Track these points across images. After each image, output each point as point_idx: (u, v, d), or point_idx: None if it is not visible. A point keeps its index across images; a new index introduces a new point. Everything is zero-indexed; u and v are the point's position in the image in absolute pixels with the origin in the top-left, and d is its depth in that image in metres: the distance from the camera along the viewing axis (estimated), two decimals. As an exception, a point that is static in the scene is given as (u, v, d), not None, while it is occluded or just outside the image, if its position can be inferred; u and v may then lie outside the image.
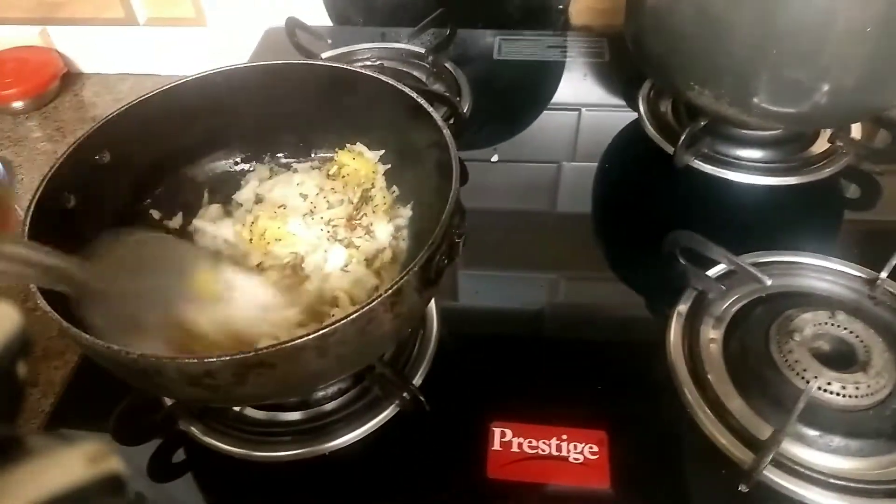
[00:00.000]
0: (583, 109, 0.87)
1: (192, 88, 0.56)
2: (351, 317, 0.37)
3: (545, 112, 0.87)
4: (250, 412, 0.54)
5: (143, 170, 0.56)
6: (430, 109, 0.50)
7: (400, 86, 0.53)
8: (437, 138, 0.51)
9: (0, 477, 0.19)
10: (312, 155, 0.63)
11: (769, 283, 0.55)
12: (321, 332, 0.36)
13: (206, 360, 0.34)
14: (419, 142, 0.54)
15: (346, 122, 0.60)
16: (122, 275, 0.44)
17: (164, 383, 0.37)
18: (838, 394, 0.49)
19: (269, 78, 0.57)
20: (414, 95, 0.52)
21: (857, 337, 0.52)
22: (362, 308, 0.37)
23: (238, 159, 0.62)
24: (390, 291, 0.38)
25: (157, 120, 0.54)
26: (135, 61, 1.04)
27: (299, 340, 0.36)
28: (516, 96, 0.90)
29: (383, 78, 0.54)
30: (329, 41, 0.92)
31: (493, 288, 0.66)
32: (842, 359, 0.51)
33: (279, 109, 0.59)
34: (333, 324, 0.36)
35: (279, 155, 0.63)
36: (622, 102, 0.85)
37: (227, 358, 0.34)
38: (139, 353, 0.35)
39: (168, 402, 0.52)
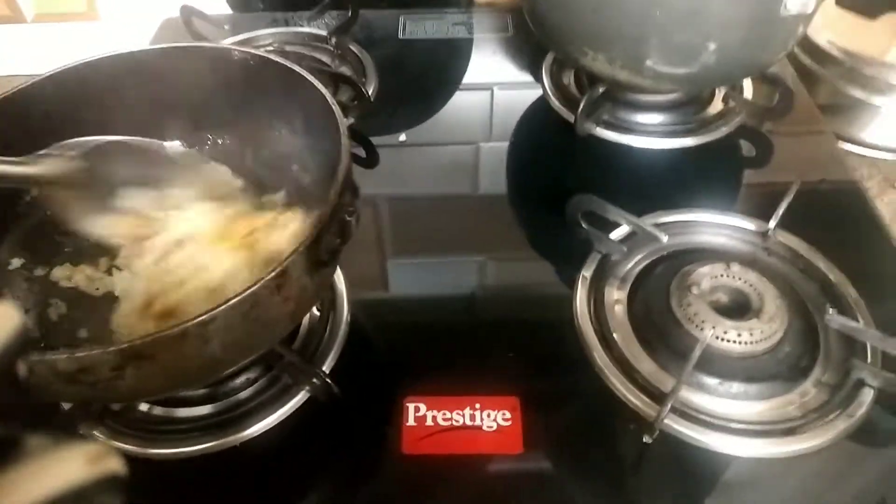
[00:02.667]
0: (495, 88, 0.87)
1: (70, 77, 0.53)
2: (231, 301, 0.36)
3: (458, 92, 0.87)
4: (157, 410, 0.52)
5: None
6: (315, 81, 0.49)
7: (283, 61, 0.51)
8: (327, 113, 0.49)
9: (0, 477, 0.18)
10: (209, 140, 0.61)
11: (665, 240, 0.56)
12: (199, 319, 0.35)
13: (76, 356, 0.33)
14: (312, 122, 0.53)
15: (240, 107, 0.58)
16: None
17: (41, 384, 0.35)
18: (734, 341, 0.50)
19: (152, 64, 0.55)
20: (297, 69, 0.50)
21: (751, 286, 0.54)
22: (243, 292, 0.36)
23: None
24: (273, 273, 0.37)
25: (33, 112, 0.52)
26: (25, 61, 0.99)
27: (177, 329, 0.34)
28: (426, 76, 0.90)
29: (268, 55, 0.52)
30: (227, 28, 0.89)
31: (407, 272, 0.66)
32: (738, 308, 0.53)
33: (167, 96, 0.57)
34: (212, 310, 0.35)
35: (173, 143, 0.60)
36: (531, 78, 0.86)
37: (99, 352, 0.33)
38: None
39: (65, 406, 0.50)
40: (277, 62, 0.52)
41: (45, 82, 0.53)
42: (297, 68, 0.50)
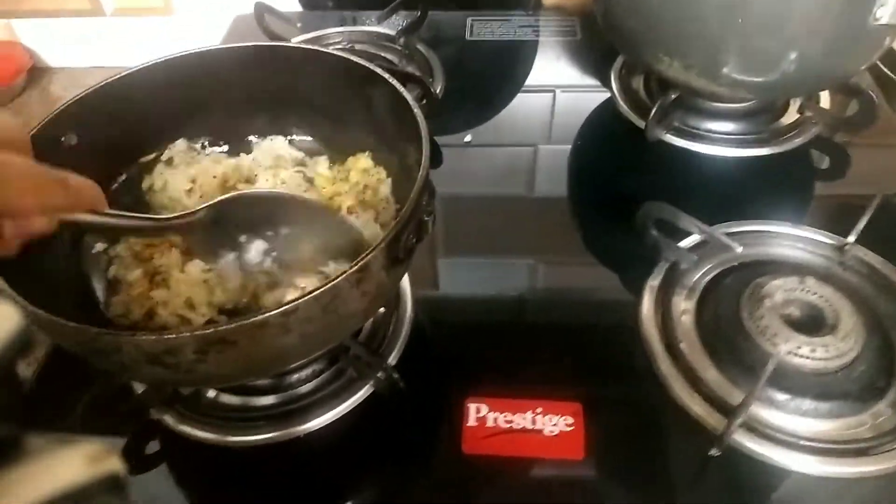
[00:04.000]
0: (557, 91, 0.86)
1: (158, 71, 0.55)
2: (314, 293, 0.37)
3: (520, 94, 0.87)
4: (224, 398, 0.53)
5: (111, 154, 0.55)
6: (397, 84, 0.50)
7: (364, 62, 0.52)
8: (408, 117, 0.50)
9: (0, 477, 0.19)
10: (286, 136, 0.62)
11: (740, 250, 0.55)
12: (283, 308, 0.36)
13: (165, 337, 0.34)
14: (393, 122, 0.53)
15: (318, 105, 0.59)
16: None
17: (125, 362, 0.36)
18: (808, 357, 0.49)
19: (236, 61, 0.56)
20: (378, 71, 0.51)
21: (826, 301, 0.52)
22: (326, 285, 0.37)
23: (206, 142, 0.61)
24: (355, 268, 0.38)
25: (124, 103, 0.53)
26: (103, 54, 1.03)
27: (260, 317, 0.35)
28: (490, 77, 0.90)
29: (347, 56, 0.53)
30: (299, 25, 0.91)
31: (468, 272, 0.66)
32: (811, 323, 0.52)
33: (248, 92, 0.58)
34: (296, 300, 0.36)
35: (250, 138, 0.62)
36: (596, 82, 0.85)
37: (187, 334, 0.34)
38: (96, 329, 0.34)
39: (139, 390, 0.52)
40: (362, 65, 0.53)
41: (131, 77, 0.54)
42: (382, 73, 0.51)
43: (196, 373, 0.38)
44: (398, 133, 0.52)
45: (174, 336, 0.34)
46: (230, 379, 0.46)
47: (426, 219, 0.43)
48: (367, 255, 0.39)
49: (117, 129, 0.54)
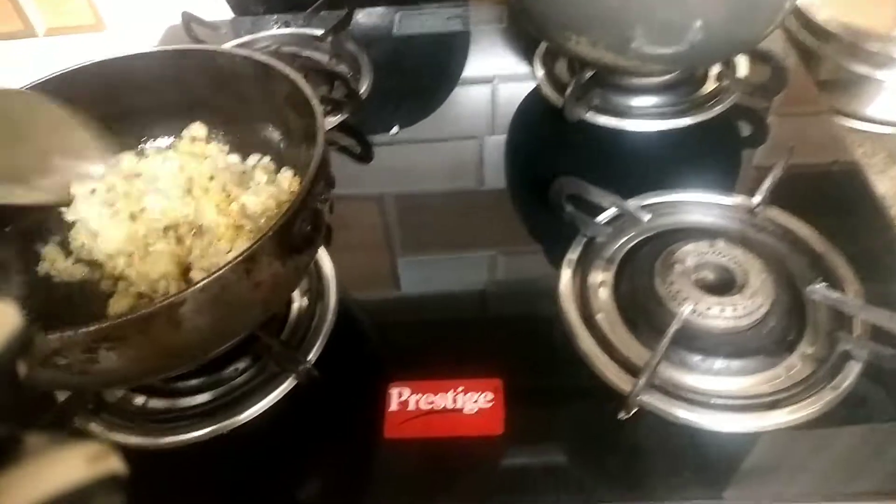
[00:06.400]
0: (496, 80, 0.87)
1: (70, 80, 0.56)
2: (200, 284, 0.37)
3: (457, 87, 0.87)
4: (153, 402, 0.54)
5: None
6: (287, 70, 0.50)
7: (261, 57, 0.52)
8: (307, 107, 0.50)
9: (0, 477, 0.19)
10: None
11: (647, 220, 0.56)
12: (169, 300, 0.36)
13: (49, 337, 0.34)
14: (296, 116, 0.54)
15: (229, 103, 0.59)
16: None
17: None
18: (717, 317, 0.50)
19: (137, 69, 0.57)
20: (274, 63, 0.51)
21: (735, 262, 0.53)
22: (211, 275, 0.37)
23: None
24: (241, 258, 0.38)
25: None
26: (38, 75, 1.02)
27: (146, 311, 0.35)
28: (424, 71, 0.90)
29: (244, 53, 0.54)
30: (224, 32, 0.91)
31: (402, 266, 0.66)
32: (722, 284, 0.53)
33: (156, 97, 0.59)
34: (180, 292, 0.36)
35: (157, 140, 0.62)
36: (529, 69, 0.86)
37: (70, 333, 0.34)
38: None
39: (60, 398, 0.52)
40: (255, 59, 0.53)
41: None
42: (273, 62, 0.52)
43: (93, 374, 0.38)
44: (303, 125, 0.53)
45: (57, 335, 0.34)
46: (134, 377, 0.46)
47: (320, 207, 0.43)
48: (253, 244, 0.39)
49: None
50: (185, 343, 0.40)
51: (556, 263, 0.59)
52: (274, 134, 0.58)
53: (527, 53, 0.87)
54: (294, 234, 0.42)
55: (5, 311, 0.21)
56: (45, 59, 1.02)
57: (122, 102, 0.59)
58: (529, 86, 0.83)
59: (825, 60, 0.81)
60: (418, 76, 0.90)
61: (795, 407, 0.47)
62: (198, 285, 0.37)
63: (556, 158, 0.74)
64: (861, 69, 0.79)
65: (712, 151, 0.71)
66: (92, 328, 0.35)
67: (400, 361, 0.54)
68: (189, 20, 0.87)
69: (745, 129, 0.73)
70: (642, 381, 0.46)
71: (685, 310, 0.49)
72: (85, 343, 0.36)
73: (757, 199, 0.57)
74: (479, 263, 0.65)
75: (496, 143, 0.78)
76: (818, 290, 0.51)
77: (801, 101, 0.74)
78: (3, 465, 0.19)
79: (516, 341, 0.55)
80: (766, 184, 0.57)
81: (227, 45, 0.89)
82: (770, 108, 0.73)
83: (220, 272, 0.37)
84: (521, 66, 0.88)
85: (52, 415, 0.50)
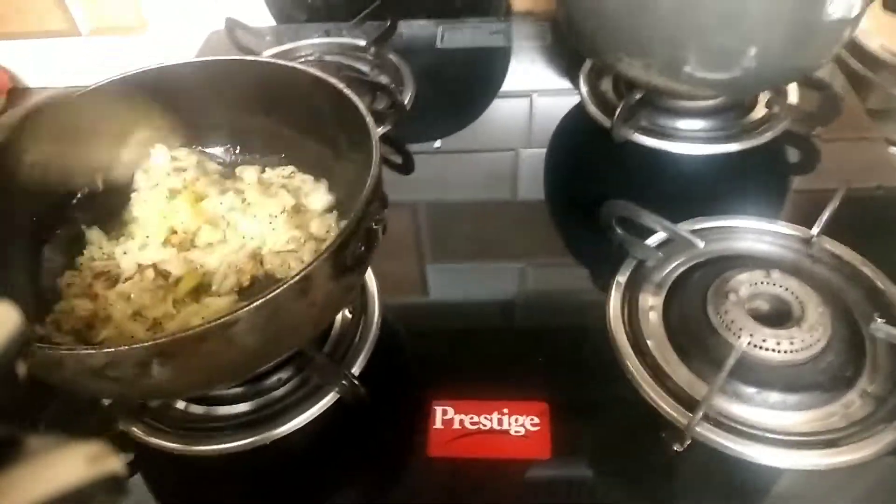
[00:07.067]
0: (534, 95, 0.87)
1: (121, 86, 0.56)
2: (255, 304, 0.36)
3: (496, 99, 0.87)
4: (193, 408, 0.53)
5: (70, 171, 0.55)
6: (347, 91, 0.50)
7: (316, 72, 0.52)
8: (360, 124, 0.50)
9: (0, 477, 0.18)
10: (245, 154, 0.62)
11: (702, 246, 0.55)
12: (222, 320, 0.35)
13: (104, 351, 0.34)
14: (348, 130, 0.53)
15: (279, 116, 0.59)
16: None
17: (69, 377, 0.36)
18: (774, 350, 0.49)
19: (186, 77, 0.56)
20: (328, 78, 0.51)
21: (792, 294, 0.52)
22: (266, 296, 0.37)
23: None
24: (297, 278, 0.38)
25: (77, 119, 0.54)
26: (81, 74, 1.03)
27: (199, 329, 0.35)
28: (464, 84, 0.91)
29: (300, 66, 0.53)
30: (268, 39, 0.91)
31: (439, 277, 0.66)
32: (778, 316, 0.52)
33: (206, 107, 0.58)
34: (235, 311, 0.36)
35: (211, 151, 0.62)
36: (569, 85, 0.86)
37: (125, 348, 0.34)
38: (36, 344, 0.34)
39: (105, 402, 0.51)
40: (308, 73, 0.53)
41: (93, 92, 0.55)
42: (329, 79, 0.51)
43: (143, 385, 0.38)
44: (351, 141, 0.52)
45: (112, 350, 0.34)
46: (183, 390, 0.45)
47: (375, 227, 0.43)
48: (309, 265, 0.38)
49: (74, 147, 0.54)
50: (236, 360, 0.39)
51: (602, 283, 0.58)
52: (319, 148, 0.57)
53: (568, 70, 0.87)
54: (348, 254, 0.41)
55: (5, 311, 0.21)
56: (89, 59, 1.02)
57: (166, 109, 0.59)
58: (569, 102, 0.83)
59: (876, 89, 0.80)
60: (458, 88, 0.90)
61: (854, 446, 0.45)
62: (252, 305, 0.36)
63: (600, 177, 0.74)
64: (912, 99, 0.78)
65: (761, 178, 0.70)
66: (147, 344, 0.35)
67: (443, 377, 0.54)
68: (233, 26, 0.87)
69: (795, 157, 0.72)
70: (699, 414, 0.45)
71: (743, 342, 0.48)
72: (138, 357, 0.35)
73: (815, 229, 0.56)
74: (520, 275, 0.64)
75: (532, 155, 0.77)
76: (881, 327, 0.49)
77: (853, 129, 0.73)
78: (3, 465, 0.19)
79: (561, 362, 0.54)
80: (825, 215, 0.56)
81: (269, 53, 0.89)
82: (821, 136, 0.72)
83: (276, 292, 0.37)
84: (560, 82, 0.87)
85: (97, 418, 0.50)
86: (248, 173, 0.59)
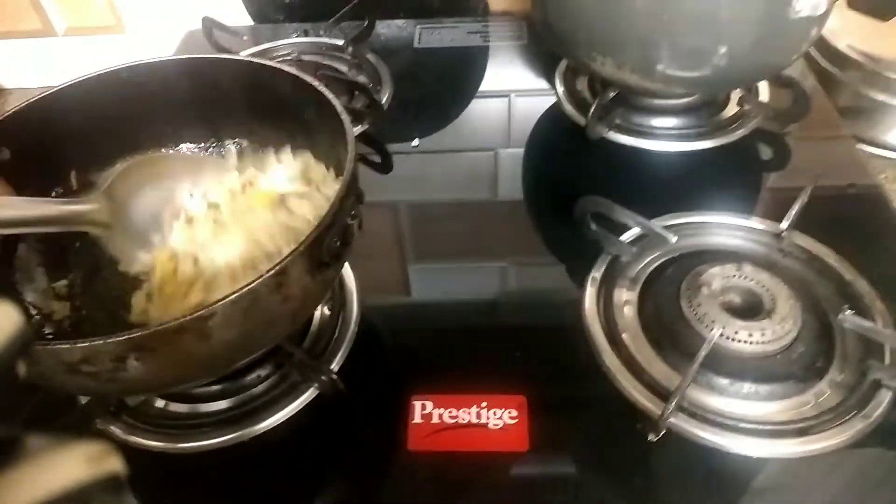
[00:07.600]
0: (512, 95, 0.87)
1: (95, 85, 0.55)
2: (230, 298, 0.36)
3: (475, 99, 0.87)
4: (172, 406, 0.53)
5: (47, 170, 0.55)
6: (323, 90, 0.50)
7: (294, 71, 0.52)
8: (336, 122, 0.50)
9: (0, 477, 0.18)
10: (223, 148, 0.62)
11: (675, 240, 0.56)
12: (199, 313, 0.35)
13: (78, 346, 0.34)
14: (324, 129, 0.53)
15: (253, 114, 0.59)
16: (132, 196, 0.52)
17: (46, 372, 0.36)
18: (746, 341, 0.50)
19: (166, 74, 0.56)
20: (305, 77, 0.51)
21: (763, 287, 0.53)
22: (242, 289, 0.37)
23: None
24: (273, 272, 0.38)
25: (56, 118, 0.53)
26: (57, 74, 1.02)
27: (174, 323, 0.35)
28: (442, 84, 0.91)
29: (278, 66, 0.53)
30: (246, 39, 0.91)
31: (419, 275, 0.66)
32: (749, 308, 0.53)
33: (184, 104, 0.58)
34: (212, 305, 0.36)
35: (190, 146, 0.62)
36: (547, 85, 0.86)
37: (100, 342, 0.34)
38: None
39: (82, 400, 0.51)
40: (286, 72, 0.53)
41: (65, 91, 0.54)
42: (305, 77, 0.51)
43: (119, 381, 0.37)
44: (330, 139, 0.52)
45: (87, 344, 0.34)
46: (160, 386, 0.45)
47: (351, 222, 0.43)
48: (285, 259, 0.38)
49: (50, 144, 0.54)
50: (213, 354, 0.39)
51: (578, 279, 0.59)
52: (296, 146, 0.57)
53: (545, 70, 0.88)
54: (324, 249, 0.42)
55: (5, 311, 0.21)
56: (64, 59, 1.02)
57: (143, 107, 0.58)
58: (546, 101, 0.83)
59: (845, 87, 0.82)
60: (437, 88, 0.90)
61: (825, 434, 0.46)
62: (228, 298, 0.36)
63: (576, 174, 0.75)
64: (881, 96, 0.80)
65: (733, 174, 0.72)
66: (122, 338, 0.35)
67: (422, 373, 0.54)
68: (210, 26, 0.87)
69: (767, 154, 0.73)
70: (672, 404, 0.45)
71: (715, 333, 0.49)
72: (114, 352, 0.35)
73: (784, 224, 0.57)
74: (499, 274, 0.65)
75: (511, 155, 0.78)
76: (849, 318, 0.51)
77: (823, 127, 0.75)
78: (2, 465, 0.19)
79: (539, 357, 0.55)
80: (794, 209, 0.57)
81: (246, 53, 0.89)
82: (791, 133, 0.73)
83: (251, 286, 0.37)
84: (538, 82, 0.88)
85: (75, 417, 0.50)
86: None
